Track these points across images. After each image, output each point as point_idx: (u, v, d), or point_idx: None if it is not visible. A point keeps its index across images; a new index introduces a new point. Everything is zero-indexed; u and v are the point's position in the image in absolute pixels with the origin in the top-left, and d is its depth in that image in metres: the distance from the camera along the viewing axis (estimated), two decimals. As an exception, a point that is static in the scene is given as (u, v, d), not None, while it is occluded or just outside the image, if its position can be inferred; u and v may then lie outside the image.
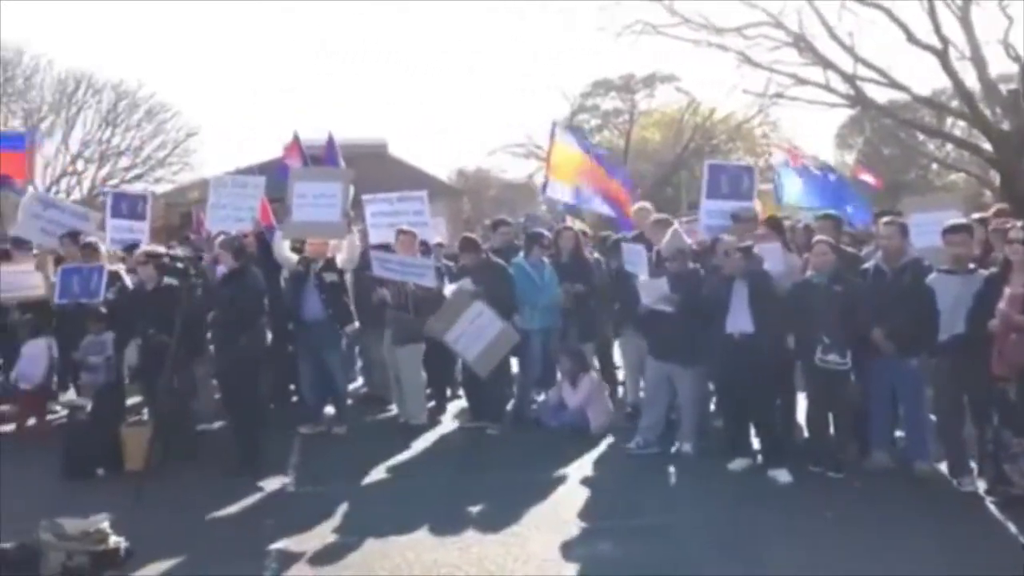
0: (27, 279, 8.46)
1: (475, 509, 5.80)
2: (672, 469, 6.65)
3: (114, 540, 4.84)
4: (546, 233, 8.48)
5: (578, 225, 9.31)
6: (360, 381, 9.64)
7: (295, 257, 7.89)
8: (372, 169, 19.15)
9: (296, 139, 10.38)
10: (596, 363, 8.43)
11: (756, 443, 6.59)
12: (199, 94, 62.03)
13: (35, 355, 8.07)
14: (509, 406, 8.09)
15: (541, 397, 8.26)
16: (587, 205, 9.83)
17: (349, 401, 8.37)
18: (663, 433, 7.03)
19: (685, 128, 36.53)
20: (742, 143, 36.78)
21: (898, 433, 6.59)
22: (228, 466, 6.60)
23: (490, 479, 6.47)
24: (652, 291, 6.74)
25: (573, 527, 5.48)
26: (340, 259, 7.84)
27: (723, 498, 5.95)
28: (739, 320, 6.29)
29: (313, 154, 10.76)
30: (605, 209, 9.67)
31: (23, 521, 5.03)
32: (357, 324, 8.01)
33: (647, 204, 8.92)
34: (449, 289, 7.58)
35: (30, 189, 10.10)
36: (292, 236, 7.98)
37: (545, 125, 10.36)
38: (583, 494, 6.13)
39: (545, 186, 9.34)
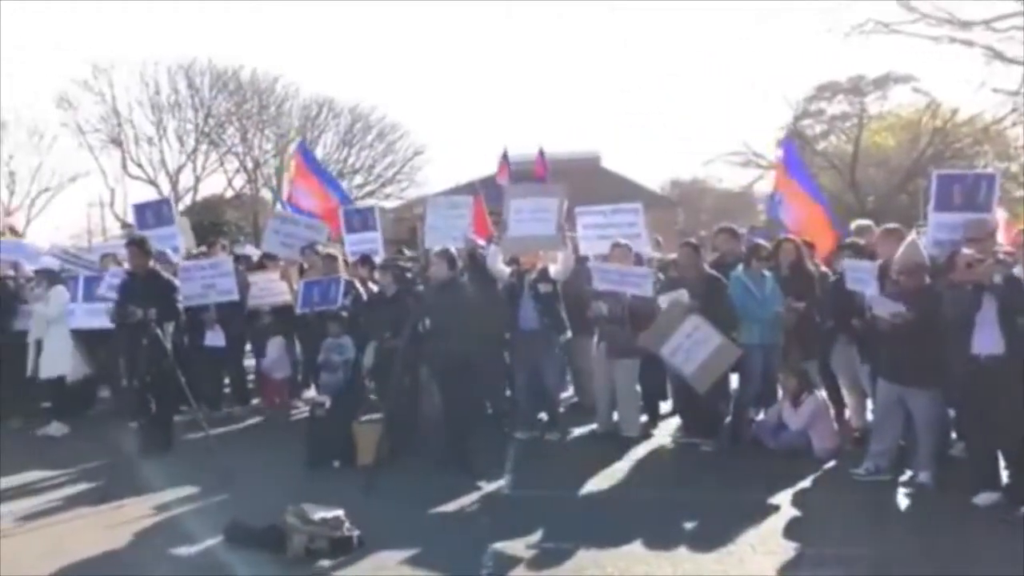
0: (275, 287, 9.48)
1: (689, 525, 5.68)
2: (905, 499, 6.16)
3: (348, 528, 5.23)
4: (765, 244, 8.18)
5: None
6: (571, 391, 9.75)
7: (508, 270, 8.17)
8: (585, 181, 19.39)
9: (505, 157, 10.73)
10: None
11: (1006, 476, 5.95)
12: (425, 114, 65.97)
13: (281, 352, 9.11)
14: (725, 423, 7.87)
15: (760, 416, 7.94)
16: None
17: (561, 409, 8.52)
18: (896, 460, 6.54)
19: (923, 132, 33.78)
20: (991, 146, 33.40)
21: None
22: (447, 465, 6.93)
23: (704, 496, 6.30)
24: (886, 309, 6.30)
25: (792, 551, 5.21)
26: (554, 270, 8.01)
27: (964, 535, 5.42)
28: (987, 339, 5.71)
29: (524, 168, 11.08)
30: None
31: (270, 505, 5.58)
32: (570, 333, 8.13)
33: (867, 221, 8.37)
34: (663, 300, 7.49)
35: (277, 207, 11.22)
36: (510, 252, 8.26)
37: (765, 132, 10.04)
38: (804, 518, 5.82)
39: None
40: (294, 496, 5.58)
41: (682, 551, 5.23)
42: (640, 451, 7.58)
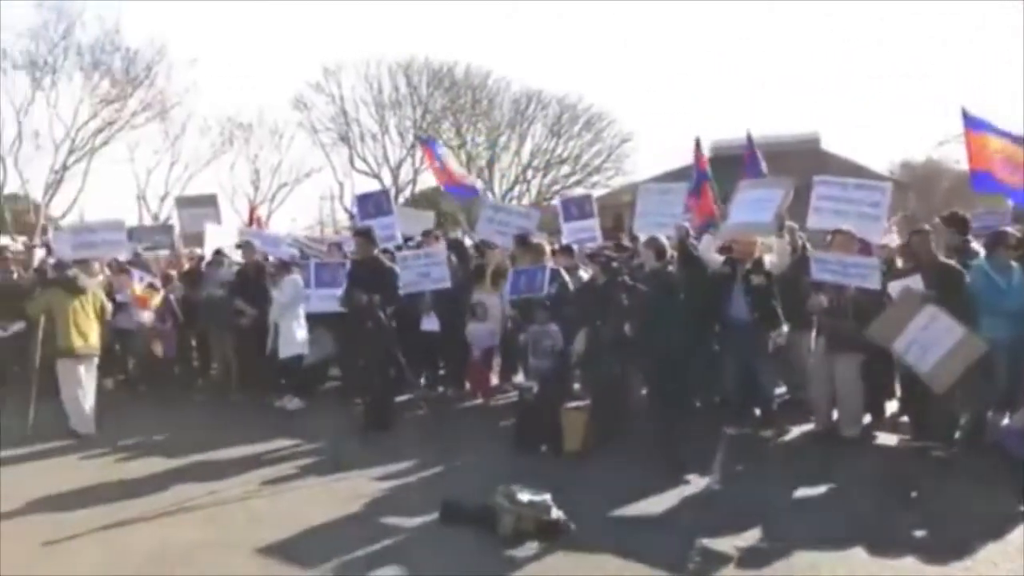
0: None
1: (918, 534, 5.27)
2: None
3: (554, 512, 5.31)
4: (1012, 231, 7.35)
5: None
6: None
7: (721, 258, 7.91)
8: (803, 164, 18.41)
9: (698, 146, 10.45)
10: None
11: None
12: (632, 101, 65.49)
13: (485, 333, 9.49)
14: (962, 426, 7.18)
15: (1005, 420, 7.16)
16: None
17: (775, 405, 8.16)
18: None
19: None
20: None
21: None
22: (654, 457, 6.85)
23: (935, 505, 5.79)
24: None
25: (1042, 573, 4.67)
26: (769, 260, 7.66)
27: None
28: None
29: (731, 154, 10.66)
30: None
31: (481, 484, 5.80)
32: (786, 329, 7.74)
33: None
34: (894, 288, 6.90)
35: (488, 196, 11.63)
36: (725, 238, 8.02)
37: (1004, 110, 8.81)
38: (1059, 537, 5.19)
39: (974, 179, 8.07)
40: (503, 477, 5.75)
41: (908, 562, 4.85)
42: (862, 453, 7.10)
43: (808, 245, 8.21)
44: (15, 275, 10.90)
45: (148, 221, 31.19)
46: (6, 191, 33.47)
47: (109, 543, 5.34)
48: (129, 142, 35.84)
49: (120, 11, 60.84)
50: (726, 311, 7.70)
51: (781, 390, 9.01)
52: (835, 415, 7.60)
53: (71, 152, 34.48)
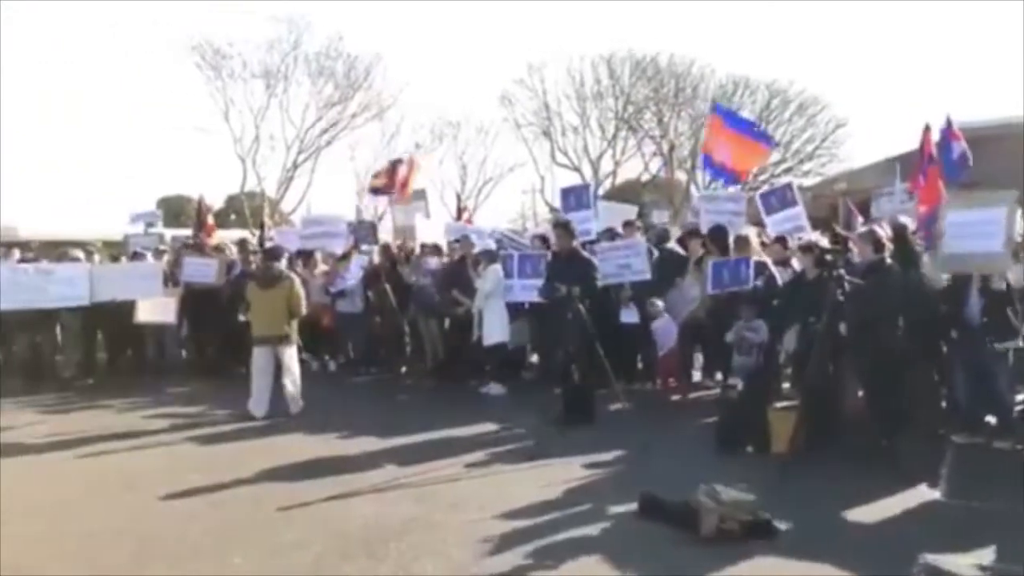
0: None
1: None
2: None
3: (760, 513, 5.09)
4: None
5: None
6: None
7: (946, 277, 7.24)
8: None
9: (927, 131, 9.59)
10: None
11: None
12: (848, 86, 61.43)
13: (668, 328, 9.32)
14: None
15: None
16: None
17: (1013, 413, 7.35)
18: None
19: None
20: None
21: None
22: (869, 463, 6.39)
23: None
24: None
25: None
26: (1012, 277, 6.90)
27: None
28: None
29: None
30: None
31: (681, 481, 5.66)
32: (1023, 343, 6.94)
33: None
34: None
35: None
36: (943, 271, 7.36)
37: None
38: None
39: None
40: (704, 475, 5.58)
41: None
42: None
43: None
44: (253, 266, 12.04)
45: (368, 217, 33.35)
46: (245, 189, 37.04)
47: (331, 513, 5.75)
48: (350, 142, 38.51)
49: (343, 19, 65.11)
50: (960, 312, 7.03)
51: (1021, 397, 8.14)
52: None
53: (300, 152, 37.61)
